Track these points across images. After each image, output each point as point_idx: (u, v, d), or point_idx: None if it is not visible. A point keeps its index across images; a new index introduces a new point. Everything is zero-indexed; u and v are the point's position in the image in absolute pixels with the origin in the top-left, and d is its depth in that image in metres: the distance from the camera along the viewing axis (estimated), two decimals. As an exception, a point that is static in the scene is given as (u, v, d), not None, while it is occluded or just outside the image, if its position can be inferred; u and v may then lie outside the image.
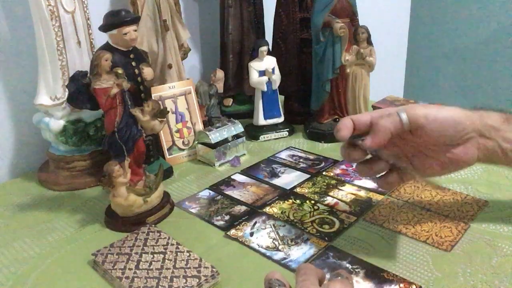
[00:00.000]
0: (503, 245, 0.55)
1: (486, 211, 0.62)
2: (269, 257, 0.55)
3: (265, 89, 0.91)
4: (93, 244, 0.59)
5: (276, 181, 0.75)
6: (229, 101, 1.07)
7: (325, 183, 0.73)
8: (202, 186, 0.75)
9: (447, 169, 0.53)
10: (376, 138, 0.48)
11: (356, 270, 0.52)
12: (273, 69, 0.91)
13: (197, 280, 0.49)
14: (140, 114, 0.62)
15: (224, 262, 0.55)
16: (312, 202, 0.68)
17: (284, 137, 0.94)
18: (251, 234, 0.60)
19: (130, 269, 0.52)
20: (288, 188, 0.72)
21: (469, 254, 0.54)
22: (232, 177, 0.78)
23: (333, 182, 0.73)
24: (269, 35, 1.04)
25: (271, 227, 0.62)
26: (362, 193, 0.69)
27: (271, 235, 0.60)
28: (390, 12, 1.73)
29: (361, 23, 0.87)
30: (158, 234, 0.59)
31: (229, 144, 0.83)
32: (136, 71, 0.69)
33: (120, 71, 0.62)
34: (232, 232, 0.61)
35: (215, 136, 0.82)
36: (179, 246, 0.56)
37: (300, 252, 0.56)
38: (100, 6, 0.88)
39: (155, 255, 0.54)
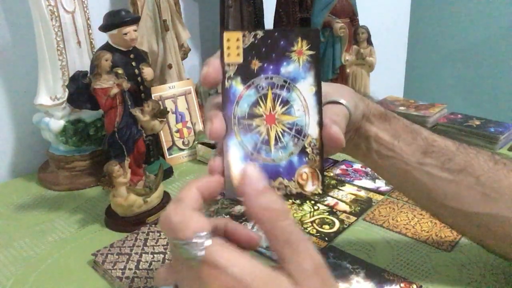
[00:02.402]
0: (503, 245, 0.55)
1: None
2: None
3: (265, 89, 0.90)
4: (93, 244, 0.59)
5: (276, 181, 0.75)
6: (229, 101, 1.07)
7: (325, 183, 0.73)
8: (202, 186, 0.75)
9: None
10: None
11: (357, 270, 0.52)
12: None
13: (197, 280, 0.49)
14: (140, 114, 0.62)
15: (224, 262, 0.55)
16: (312, 202, 0.68)
17: (284, 137, 0.94)
18: (251, 234, 0.60)
19: (130, 269, 0.52)
20: (288, 188, 0.72)
21: (469, 254, 0.54)
22: (232, 177, 0.77)
23: (333, 182, 0.73)
24: (269, 35, 1.04)
25: (271, 227, 0.62)
26: (362, 193, 0.69)
27: (271, 235, 0.60)
28: (390, 12, 1.73)
29: (361, 23, 0.87)
30: (158, 234, 0.59)
31: (229, 144, 0.83)
32: (136, 71, 0.69)
33: (120, 71, 0.62)
34: (232, 232, 0.61)
35: (215, 136, 0.82)
36: (179, 246, 0.56)
37: (300, 252, 0.55)
38: (100, 6, 0.88)
39: (155, 255, 0.54)
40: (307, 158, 0.32)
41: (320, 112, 0.32)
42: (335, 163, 0.80)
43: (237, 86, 0.32)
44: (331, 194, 0.70)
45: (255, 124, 0.32)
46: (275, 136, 0.32)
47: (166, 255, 0.54)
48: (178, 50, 0.90)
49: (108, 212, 0.65)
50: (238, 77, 0.32)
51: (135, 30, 0.66)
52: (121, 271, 0.52)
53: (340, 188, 0.71)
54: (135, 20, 0.67)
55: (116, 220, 0.64)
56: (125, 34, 0.65)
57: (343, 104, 0.37)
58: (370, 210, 0.64)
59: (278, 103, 0.32)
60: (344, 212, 0.64)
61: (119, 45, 0.66)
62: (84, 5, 0.75)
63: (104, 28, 0.65)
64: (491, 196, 0.42)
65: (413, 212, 0.63)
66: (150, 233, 0.59)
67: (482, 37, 1.70)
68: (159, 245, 0.56)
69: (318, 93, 0.32)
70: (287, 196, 0.33)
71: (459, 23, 1.74)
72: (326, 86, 0.37)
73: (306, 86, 0.32)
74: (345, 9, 0.85)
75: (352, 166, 0.78)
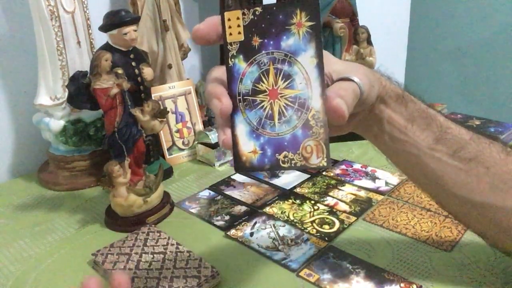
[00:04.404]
0: (503, 245, 0.55)
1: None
2: (269, 257, 0.55)
3: (265, 89, 0.90)
4: (93, 244, 0.59)
5: (276, 181, 0.75)
6: (229, 101, 1.07)
7: (325, 183, 0.73)
8: (202, 186, 0.75)
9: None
10: None
11: (357, 270, 0.52)
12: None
13: (197, 281, 0.49)
14: (140, 114, 0.63)
15: (224, 262, 0.55)
16: (312, 202, 0.68)
17: (284, 137, 0.94)
18: (251, 234, 0.60)
19: (130, 269, 0.52)
20: (288, 188, 0.72)
21: (469, 254, 0.54)
22: (232, 177, 0.78)
23: (333, 182, 0.73)
24: (269, 35, 1.04)
25: (271, 227, 0.62)
26: (362, 193, 0.69)
27: (271, 235, 0.60)
28: (390, 12, 1.73)
29: (361, 23, 0.87)
30: (158, 234, 0.59)
31: (229, 144, 0.83)
32: (136, 71, 0.69)
33: (120, 71, 0.62)
34: (232, 232, 0.61)
35: (215, 136, 0.82)
36: (179, 246, 0.56)
37: (300, 252, 0.56)
38: (100, 6, 0.88)
39: (155, 255, 0.54)
40: (311, 131, 0.32)
41: (322, 84, 0.32)
42: (335, 163, 0.80)
43: (240, 63, 0.33)
44: (331, 194, 0.70)
45: (259, 100, 0.33)
46: (279, 110, 0.33)
47: (166, 255, 0.54)
48: (178, 50, 0.90)
49: (108, 212, 0.65)
50: (240, 55, 0.33)
51: (135, 30, 0.66)
52: (121, 271, 0.52)
53: (340, 188, 0.71)
54: (135, 20, 0.67)
55: (116, 220, 0.64)
56: (125, 34, 0.65)
57: (354, 82, 0.36)
58: (370, 210, 0.64)
59: (280, 77, 0.32)
60: (344, 212, 0.64)
61: (119, 45, 0.66)
62: (84, 5, 0.75)
63: (104, 28, 0.65)
64: (499, 187, 0.42)
65: (413, 212, 0.63)
66: (150, 233, 0.59)
67: (482, 37, 1.70)
68: (159, 245, 0.56)
69: (320, 65, 0.32)
70: (292, 169, 0.33)
71: (459, 23, 1.74)
72: (341, 64, 0.37)
73: (307, 59, 0.32)
74: (345, 9, 0.85)
75: (352, 166, 0.78)
